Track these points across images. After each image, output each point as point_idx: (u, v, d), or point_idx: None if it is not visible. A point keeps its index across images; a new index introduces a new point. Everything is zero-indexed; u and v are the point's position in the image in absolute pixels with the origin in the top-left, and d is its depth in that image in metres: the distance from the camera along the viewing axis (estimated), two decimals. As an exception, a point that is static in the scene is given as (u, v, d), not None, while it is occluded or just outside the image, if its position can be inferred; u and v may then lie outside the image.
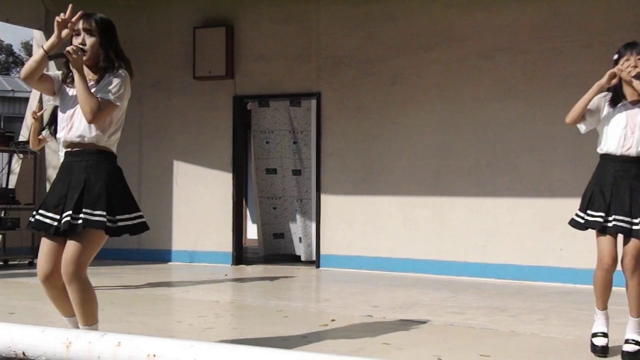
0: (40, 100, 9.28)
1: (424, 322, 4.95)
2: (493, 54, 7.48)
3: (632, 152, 3.95)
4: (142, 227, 3.62)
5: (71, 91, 3.58)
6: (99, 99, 3.45)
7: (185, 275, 7.72)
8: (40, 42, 9.58)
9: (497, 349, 4.21)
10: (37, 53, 3.52)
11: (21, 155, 8.97)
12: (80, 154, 3.54)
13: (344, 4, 8.21)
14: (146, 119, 8.83)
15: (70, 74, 3.55)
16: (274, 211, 9.26)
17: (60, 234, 3.48)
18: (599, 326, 4.03)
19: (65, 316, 3.67)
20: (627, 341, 3.94)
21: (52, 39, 3.52)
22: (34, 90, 9.85)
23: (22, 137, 9.39)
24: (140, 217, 3.61)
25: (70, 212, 3.43)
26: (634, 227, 3.91)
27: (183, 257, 8.78)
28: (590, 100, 4.03)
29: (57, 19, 3.51)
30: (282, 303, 5.83)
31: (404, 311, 5.42)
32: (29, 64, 3.53)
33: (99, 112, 3.41)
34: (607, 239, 3.98)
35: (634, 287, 3.93)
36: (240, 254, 8.76)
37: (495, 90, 7.46)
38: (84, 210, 3.43)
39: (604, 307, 4.05)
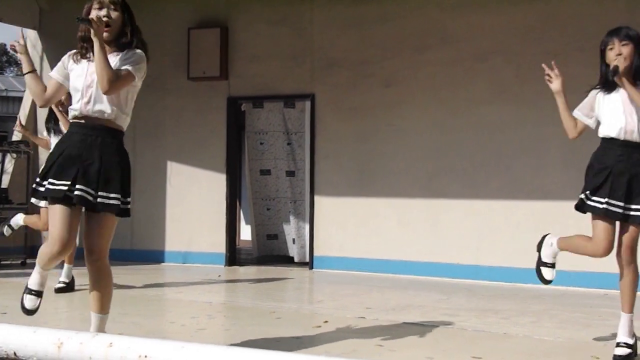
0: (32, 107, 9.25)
1: (416, 324, 4.95)
2: (487, 56, 7.49)
3: (636, 136, 3.91)
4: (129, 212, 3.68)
5: (83, 63, 3.59)
6: (118, 70, 3.48)
7: (179, 276, 7.71)
8: (34, 42, 9.56)
9: (490, 350, 4.22)
10: (26, 79, 3.68)
11: (14, 155, 8.95)
12: (97, 129, 3.55)
13: (338, 6, 8.22)
14: (140, 119, 8.74)
15: (85, 44, 3.57)
16: (267, 212, 9.26)
17: (71, 204, 3.48)
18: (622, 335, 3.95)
19: (100, 313, 3.67)
20: (618, 344, 3.91)
21: (24, 60, 3.69)
22: (27, 90, 9.82)
23: (15, 136, 9.36)
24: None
25: (85, 187, 3.45)
26: (631, 213, 3.85)
27: (176, 257, 8.77)
28: (565, 107, 4.05)
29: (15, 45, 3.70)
30: (275, 304, 5.82)
31: (397, 313, 5.43)
32: (32, 93, 3.70)
33: (116, 82, 3.43)
34: (603, 225, 3.92)
35: (628, 279, 3.90)
36: (234, 255, 8.76)
37: (489, 92, 7.47)
38: (99, 193, 3.46)
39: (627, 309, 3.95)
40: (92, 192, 3.45)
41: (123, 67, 3.50)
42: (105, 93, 3.46)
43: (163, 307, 6.08)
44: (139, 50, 3.62)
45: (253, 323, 5.05)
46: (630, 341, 3.92)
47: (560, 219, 6.82)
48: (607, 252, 3.95)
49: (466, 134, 7.54)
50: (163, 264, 8.74)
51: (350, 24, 8.14)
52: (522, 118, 7.29)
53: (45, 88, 3.68)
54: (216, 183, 8.66)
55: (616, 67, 3.88)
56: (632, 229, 3.89)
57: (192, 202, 8.74)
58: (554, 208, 7.00)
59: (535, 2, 7.34)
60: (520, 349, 4.33)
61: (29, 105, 9.35)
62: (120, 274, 7.33)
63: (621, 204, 3.87)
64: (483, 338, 4.57)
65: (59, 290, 6.17)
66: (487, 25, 7.52)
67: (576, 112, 4.10)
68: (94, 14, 3.52)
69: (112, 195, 3.49)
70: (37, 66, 9.49)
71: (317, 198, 8.23)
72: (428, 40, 7.76)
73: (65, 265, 6.27)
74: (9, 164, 9.24)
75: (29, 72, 3.65)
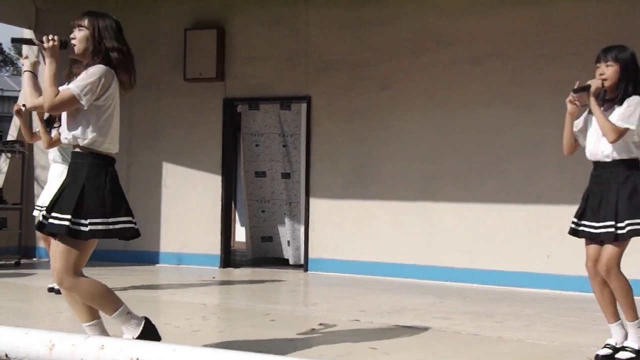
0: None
1: (410, 327, 4.95)
2: (483, 59, 7.50)
3: (600, 157, 3.96)
4: (128, 232, 3.59)
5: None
6: (63, 89, 3.43)
7: (173, 278, 7.70)
8: (30, 42, 9.53)
9: (483, 354, 4.22)
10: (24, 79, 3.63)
11: (9, 155, 8.93)
12: (74, 155, 3.56)
13: (334, 8, 8.22)
14: (135, 120, 8.80)
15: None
16: (262, 214, 9.25)
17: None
18: (608, 339, 4.03)
19: (83, 322, 3.63)
20: (624, 347, 3.93)
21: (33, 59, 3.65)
22: (22, 90, 9.80)
23: (11, 136, 9.34)
24: (122, 222, 3.54)
25: (49, 213, 3.47)
26: (593, 231, 3.92)
27: (171, 259, 8.76)
28: (570, 129, 4.07)
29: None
30: (270, 306, 5.82)
31: (391, 316, 5.43)
32: (26, 97, 3.63)
33: (54, 101, 3.36)
34: (590, 246, 4.03)
35: (616, 292, 3.93)
36: (229, 257, 8.75)
37: (485, 95, 7.48)
38: (52, 214, 3.44)
39: (611, 319, 4.03)
40: (47, 215, 3.47)
41: (66, 86, 3.45)
42: (47, 111, 3.48)
43: (157, 308, 6.06)
44: (97, 66, 3.47)
45: (247, 325, 5.04)
46: (636, 346, 3.93)
47: (555, 223, 6.83)
48: (591, 270, 4.02)
49: (461, 137, 7.54)
50: (157, 265, 8.72)
51: (346, 26, 8.15)
52: (517, 121, 7.30)
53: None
54: (211, 184, 8.65)
55: (588, 85, 3.94)
56: (606, 248, 3.91)
57: (187, 203, 8.73)
58: (548, 212, 7.01)
59: (530, 6, 7.35)
60: (514, 352, 4.33)
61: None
62: (114, 275, 7.33)
63: (593, 223, 3.94)
64: (477, 342, 4.57)
65: (52, 290, 6.15)
66: (483, 29, 7.53)
67: (576, 132, 4.12)
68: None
69: (63, 216, 3.39)
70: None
71: (312, 200, 8.23)
72: (424, 43, 7.77)
73: None
74: (4, 164, 9.22)
75: (29, 72, 3.61)
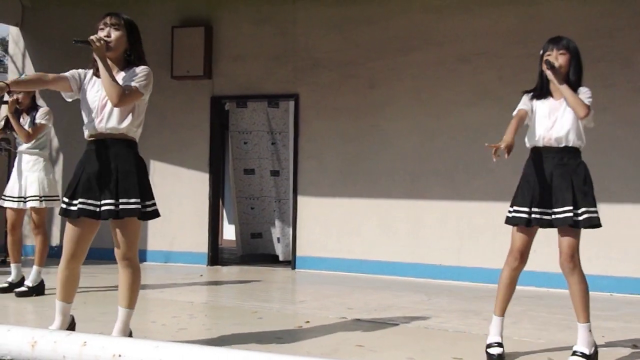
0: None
1: (398, 325, 4.96)
2: (470, 58, 7.52)
3: (553, 142, 3.99)
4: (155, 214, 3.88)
5: (97, 84, 3.75)
6: (126, 86, 3.67)
7: (161, 276, 7.67)
8: (16, 39, 9.49)
9: (470, 351, 4.23)
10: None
11: (-5, 153, 8.87)
12: (111, 142, 3.74)
13: (322, 6, 8.22)
14: (123, 117, 8.76)
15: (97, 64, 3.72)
16: (251, 211, 9.24)
17: (98, 219, 3.71)
18: (494, 336, 4.02)
19: (63, 300, 3.81)
20: (574, 353, 3.84)
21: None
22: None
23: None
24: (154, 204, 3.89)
25: (111, 200, 3.66)
26: (547, 217, 3.92)
27: (159, 257, 8.73)
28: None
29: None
30: (257, 304, 5.81)
31: (379, 313, 5.43)
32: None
33: (124, 96, 3.62)
34: (519, 233, 4.08)
35: (575, 288, 3.88)
36: (216, 255, 8.73)
37: (472, 94, 7.50)
38: (120, 200, 3.67)
39: (502, 312, 4.07)
40: (117, 202, 3.68)
41: (132, 84, 3.68)
42: (115, 106, 3.64)
43: (144, 306, 6.03)
44: (143, 66, 3.79)
45: (235, 323, 5.03)
46: (587, 351, 3.83)
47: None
48: (522, 260, 4.22)
49: (449, 136, 7.56)
50: (145, 263, 8.69)
51: (334, 24, 8.15)
52: (504, 120, 7.23)
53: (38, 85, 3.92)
54: (199, 182, 8.63)
55: (552, 62, 3.96)
56: (568, 238, 3.92)
57: (175, 202, 8.70)
58: (535, 210, 7.02)
59: (517, 5, 7.38)
60: (500, 349, 4.33)
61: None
62: (101, 273, 7.30)
63: (544, 210, 3.99)
64: (464, 339, 4.58)
65: (21, 294, 6.08)
66: (471, 28, 7.54)
67: (523, 107, 4.22)
68: (99, 34, 3.69)
69: (132, 200, 3.69)
70: (19, 63, 9.43)
71: (300, 198, 8.23)
72: (412, 42, 7.78)
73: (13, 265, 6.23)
74: (-11, 162, 9.16)
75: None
